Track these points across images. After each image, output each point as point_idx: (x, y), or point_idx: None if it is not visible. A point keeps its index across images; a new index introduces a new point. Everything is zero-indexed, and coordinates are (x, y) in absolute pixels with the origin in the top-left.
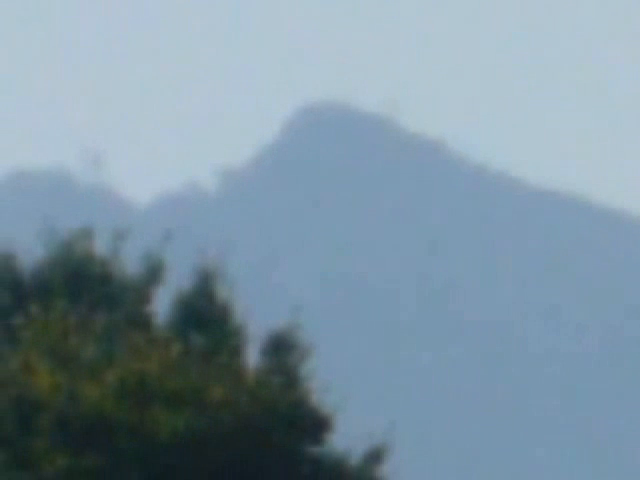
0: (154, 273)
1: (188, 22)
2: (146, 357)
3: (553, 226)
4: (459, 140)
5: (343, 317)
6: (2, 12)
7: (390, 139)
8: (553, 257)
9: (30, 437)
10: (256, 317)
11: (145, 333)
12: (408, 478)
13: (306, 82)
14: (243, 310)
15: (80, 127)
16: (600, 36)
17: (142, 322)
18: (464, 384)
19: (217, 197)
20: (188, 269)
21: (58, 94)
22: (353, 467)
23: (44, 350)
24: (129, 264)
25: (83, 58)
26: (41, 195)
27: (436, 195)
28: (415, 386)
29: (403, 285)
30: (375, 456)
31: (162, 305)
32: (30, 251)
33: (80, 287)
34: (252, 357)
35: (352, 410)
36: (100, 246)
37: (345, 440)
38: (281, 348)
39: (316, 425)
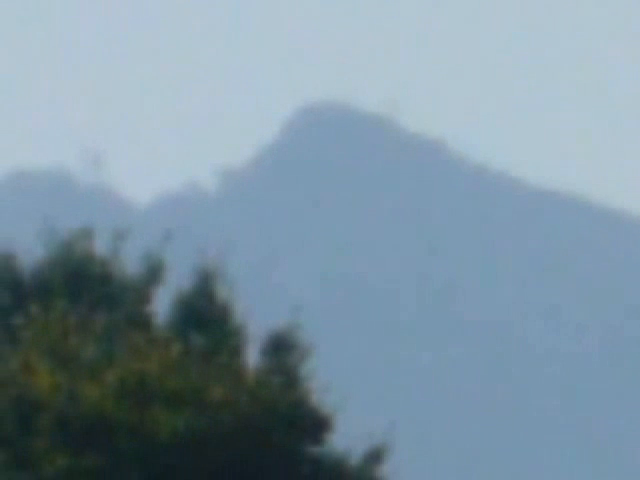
0: (154, 273)
1: (188, 22)
2: (146, 357)
3: (553, 226)
4: (459, 140)
5: (343, 317)
6: (3, 12)
7: (390, 139)
8: (553, 257)
9: (30, 437)
10: (256, 317)
11: (145, 333)
12: (408, 478)
13: (306, 82)
14: (243, 310)
15: (80, 127)
16: (600, 36)
17: (142, 322)
18: (464, 384)
19: (217, 197)
20: (188, 269)
21: (58, 94)
22: (353, 467)
23: (44, 350)
24: (129, 264)
25: (83, 58)
26: (41, 195)
27: (436, 195)
28: (415, 386)
29: (403, 285)
30: (375, 456)
31: (162, 305)
32: (30, 251)
33: (80, 287)
34: (252, 357)
35: (352, 410)
36: (100, 246)
37: (345, 440)
38: (281, 348)
39: (316, 425)
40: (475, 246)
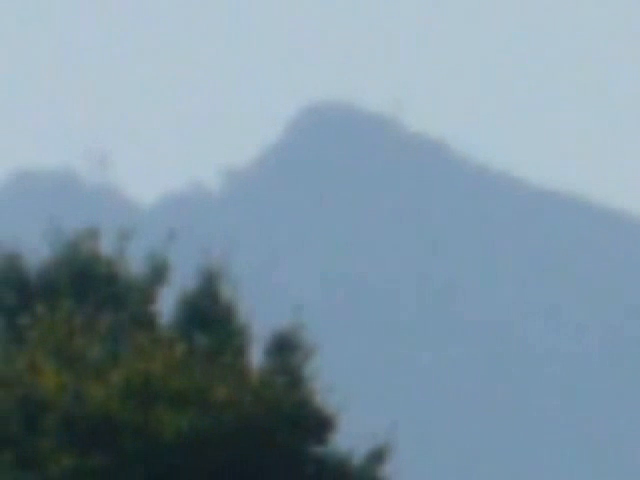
0: (159, 273)
1: (192, 22)
2: (151, 357)
3: (554, 226)
4: (461, 140)
5: (344, 317)
6: (7, 11)
7: (392, 139)
8: (553, 257)
9: (36, 437)
10: (258, 317)
11: (150, 333)
12: (409, 478)
13: (309, 82)
14: (247, 310)
15: (85, 127)
16: (600, 36)
17: (147, 322)
18: (464, 384)
19: (221, 197)
20: (192, 269)
21: (63, 94)
22: (356, 467)
23: (50, 350)
24: (134, 264)
25: (88, 58)
26: (46, 195)
27: (438, 195)
28: (415, 386)
29: (404, 285)
30: (378, 456)
31: (166, 305)
32: (36, 251)
33: (86, 287)
34: (256, 357)
35: (354, 410)
36: (105, 246)
37: (348, 440)
38: (285, 348)
39: (320, 425)
40: (475, 246)
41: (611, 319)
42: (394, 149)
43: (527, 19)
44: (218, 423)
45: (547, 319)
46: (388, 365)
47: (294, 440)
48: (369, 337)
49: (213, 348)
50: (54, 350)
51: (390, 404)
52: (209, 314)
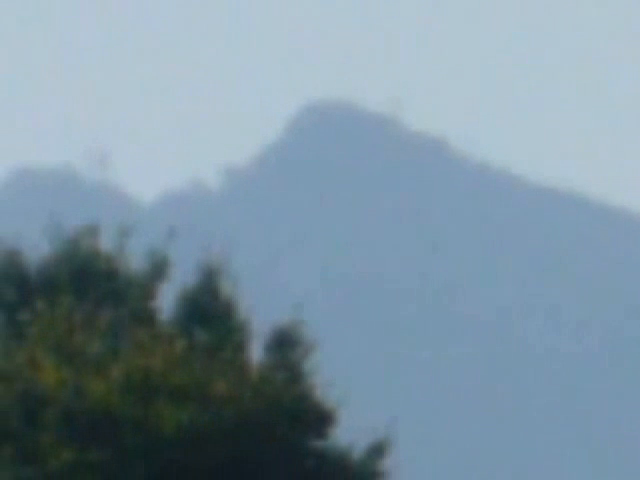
0: (159, 269)
1: (192, 21)
2: (151, 353)
3: (554, 225)
4: (461, 138)
5: (345, 314)
6: (7, 11)
7: (393, 138)
8: (553, 256)
9: (36, 432)
10: (258, 315)
11: (150, 329)
12: (408, 475)
13: (310, 81)
14: (247, 306)
15: (86, 125)
16: (600, 36)
17: (147, 318)
18: (464, 382)
19: (221, 195)
20: (192, 266)
21: (64, 93)
22: (356, 461)
23: (50, 346)
24: (134, 260)
25: (88, 57)
26: (47, 193)
27: (438, 193)
28: (415, 384)
29: (404, 283)
30: (378, 450)
31: (167, 301)
32: (36, 248)
33: (86, 283)
34: (256, 353)
35: (354, 405)
36: (106, 243)
37: (348, 434)
38: (285, 344)
39: (320, 419)
40: (475, 245)
41: (611, 319)
42: (394, 148)
43: (527, 18)
44: (218, 418)
45: (547, 319)
46: (388, 363)
47: (294, 434)
48: (369, 335)
49: (213, 344)
50: (54, 346)
51: (390, 403)
52: (209, 310)
